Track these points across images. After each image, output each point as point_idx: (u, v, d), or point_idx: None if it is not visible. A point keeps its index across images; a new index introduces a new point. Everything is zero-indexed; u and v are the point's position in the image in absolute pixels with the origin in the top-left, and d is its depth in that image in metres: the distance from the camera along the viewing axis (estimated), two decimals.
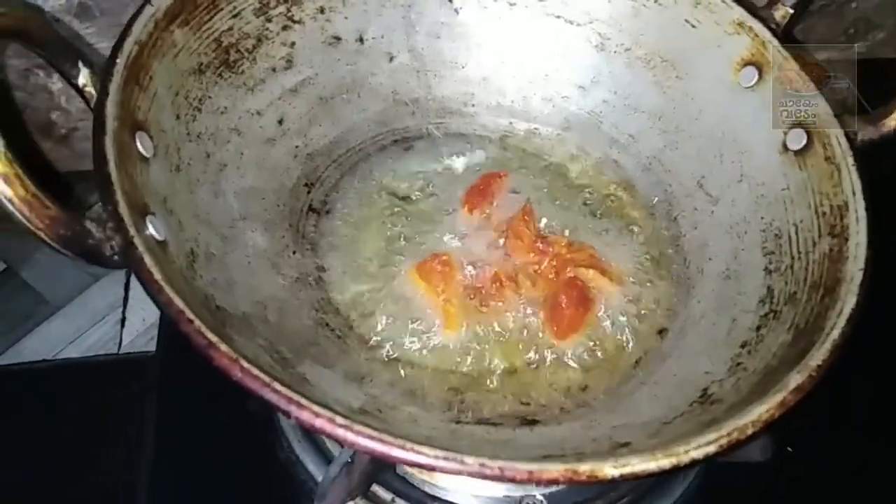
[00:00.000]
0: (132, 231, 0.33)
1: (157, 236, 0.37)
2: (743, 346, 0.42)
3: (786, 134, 0.47)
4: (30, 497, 0.57)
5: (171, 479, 0.54)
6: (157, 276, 0.32)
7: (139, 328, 0.71)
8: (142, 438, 0.56)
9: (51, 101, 0.67)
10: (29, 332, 0.71)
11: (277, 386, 0.30)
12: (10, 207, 0.29)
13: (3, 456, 0.58)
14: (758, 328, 0.43)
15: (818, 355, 0.35)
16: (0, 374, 0.66)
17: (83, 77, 0.38)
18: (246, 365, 0.30)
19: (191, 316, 0.31)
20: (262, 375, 0.30)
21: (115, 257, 0.32)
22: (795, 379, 0.34)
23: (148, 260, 0.32)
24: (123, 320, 0.71)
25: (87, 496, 0.56)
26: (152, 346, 0.67)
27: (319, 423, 0.29)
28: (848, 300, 0.37)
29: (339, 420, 0.30)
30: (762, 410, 0.33)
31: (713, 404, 0.38)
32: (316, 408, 0.30)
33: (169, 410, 0.58)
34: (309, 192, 0.53)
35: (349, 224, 0.52)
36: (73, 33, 0.62)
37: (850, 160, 0.43)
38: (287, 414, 0.29)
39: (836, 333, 0.36)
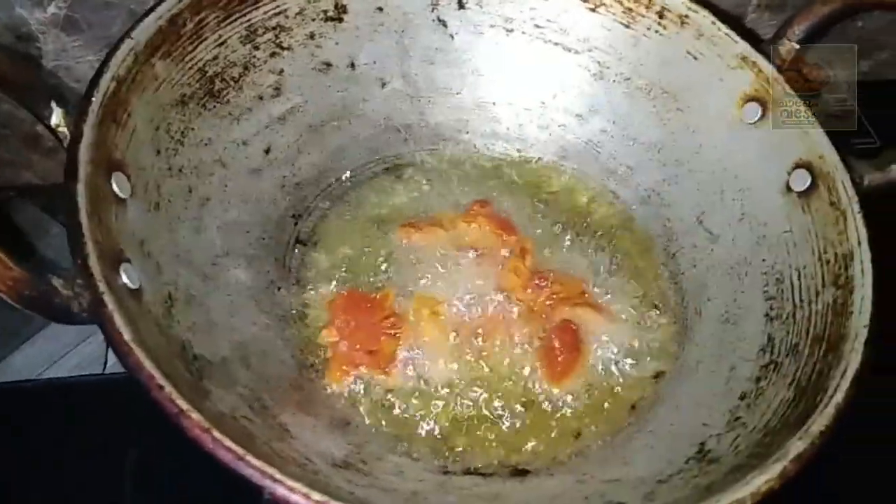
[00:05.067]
0: (102, 287, 0.31)
1: (130, 285, 0.35)
2: (742, 398, 0.41)
3: (789, 174, 0.46)
4: None
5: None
6: (127, 336, 0.30)
7: None
8: (125, 460, 0.55)
9: None
10: (13, 351, 0.69)
11: (251, 459, 0.28)
12: None
13: None
14: (757, 379, 0.41)
15: (821, 420, 0.34)
16: None
17: (56, 117, 0.36)
18: (218, 435, 0.29)
19: (161, 381, 0.29)
20: (235, 448, 0.28)
21: (84, 314, 0.31)
22: (797, 446, 0.33)
23: (118, 319, 0.31)
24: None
25: None
26: None
27: (294, 499, 0.28)
28: (852, 359, 0.36)
29: (316, 497, 0.28)
30: (761, 482, 0.31)
31: (710, 463, 0.37)
32: (290, 483, 0.28)
33: (154, 432, 0.56)
34: (296, 224, 0.51)
35: (337, 256, 0.51)
36: (60, 45, 0.61)
37: (856, 207, 0.42)
38: (260, 491, 0.28)
39: (839, 396, 0.35)
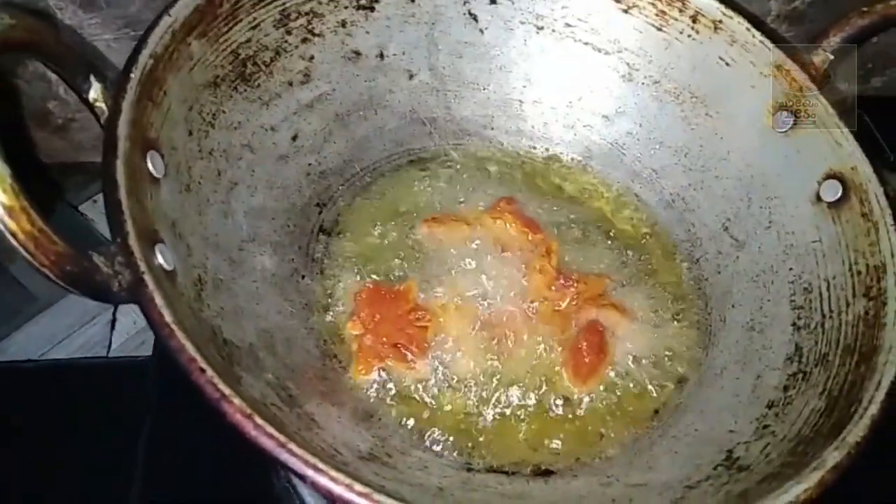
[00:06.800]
0: (142, 266, 0.30)
1: (166, 266, 0.35)
2: (770, 407, 0.41)
3: (819, 184, 0.46)
4: (11, 500, 0.54)
5: (163, 491, 0.52)
6: (169, 317, 0.30)
7: (130, 331, 0.68)
8: (134, 445, 0.54)
9: (48, 91, 0.65)
10: (15, 330, 0.68)
11: (294, 448, 0.28)
12: (14, 242, 0.27)
13: None
14: (785, 388, 0.41)
15: (856, 431, 0.34)
16: None
17: (94, 91, 0.36)
18: (260, 422, 0.28)
19: (203, 364, 0.29)
20: (277, 435, 0.28)
21: (123, 293, 0.30)
22: (833, 456, 0.33)
23: (159, 300, 0.30)
24: (114, 322, 0.68)
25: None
26: (143, 351, 0.65)
27: (338, 490, 0.27)
28: (886, 371, 0.36)
29: (358, 487, 0.28)
30: (800, 490, 0.31)
31: (741, 471, 0.37)
32: (334, 473, 0.28)
33: (164, 417, 0.55)
34: (320, 213, 0.51)
35: (360, 247, 0.50)
36: (77, 23, 0.60)
37: (890, 219, 0.42)
38: (302, 478, 0.27)
39: (874, 408, 0.35)
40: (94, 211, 0.71)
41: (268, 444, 0.28)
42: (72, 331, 0.69)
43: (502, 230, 0.50)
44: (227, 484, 0.52)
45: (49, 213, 0.70)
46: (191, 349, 0.29)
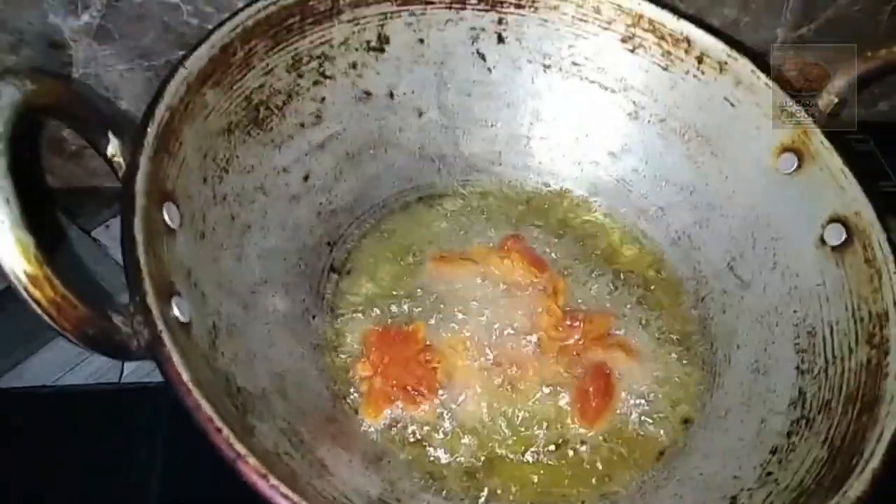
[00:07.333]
0: (160, 325, 0.31)
1: (182, 319, 0.36)
2: (773, 453, 0.41)
3: (824, 227, 0.46)
4: None
5: None
6: (186, 376, 0.31)
7: None
8: (149, 471, 0.54)
9: None
10: (31, 355, 0.69)
11: None
12: (38, 309, 0.28)
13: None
14: (789, 434, 0.42)
15: (857, 486, 0.34)
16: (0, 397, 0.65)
17: (112, 147, 0.37)
18: (274, 482, 0.29)
19: (219, 424, 0.30)
20: (291, 495, 0.29)
21: (142, 352, 0.31)
22: None
23: (176, 358, 0.31)
24: None
25: None
26: (154, 377, 0.66)
27: None
28: (888, 423, 0.36)
29: None
30: None
31: None
32: None
33: (176, 444, 0.56)
34: (331, 252, 0.52)
35: (369, 286, 0.51)
36: (91, 54, 0.61)
37: (893, 266, 0.42)
38: None
39: (875, 462, 0.35)
40: (106, 236, 0.72)
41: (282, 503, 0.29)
42: (85, 356, 0.69)
43: (510, 269, 0.51)
44: None
45: (61, 239, 0.72)
46: (207, 409, 0.30)
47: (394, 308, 0.50)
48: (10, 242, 0.27)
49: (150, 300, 0.32)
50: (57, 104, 0.33)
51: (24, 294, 0.28)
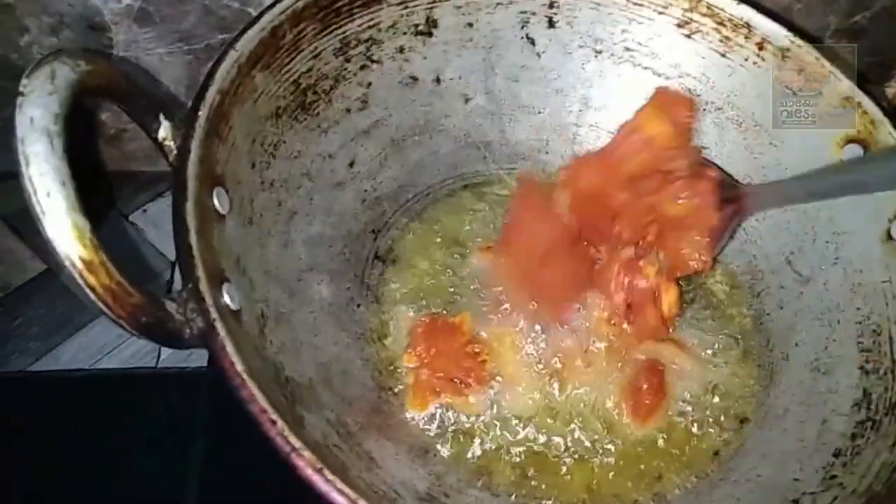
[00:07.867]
0: (214, 313, 0.31)
1: (232, 306, 0.35)
2: (836, 456, 0.39)
3: (891, 222, 0.44)
4: None
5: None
6: (240, 366, 0.30)
7: None
8: (188, 455, 0.54)
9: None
10: (68, 338, 0.69)
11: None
12: (92, 296, 0.27)
13: (36, 463, 0.56)
14: (853, 436, 0.40)
15: None
16: (37, 381, 0.65)
17: (163, 130, 0.36)
18: (331, 477, 0.28)
19: (274, 416, 0.29)
20: (348, 491, 0.28)
21: (195, 340, 0.30)
22: None
23: (230, 347, 0.30)
24: None
25: None
26: (191, 362, 0.66)
27: None
28: None
29: None
30: None
31: None
32: None
33: (214, 430, 0.56)
34: (375, 239, 0.51)
35: (414, 276, 0.50)
36: (132, 37, 0.61)
37: None
38: None
39: None
40: (144, 220, 0.72)
41: (337, 499, 0.28)
42: (121, 341, 0.70)
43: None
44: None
45: (100, 222, 0.72)
46: (261, 399, 0.29)
47: (439, 299, 0.49)
48: (67, 227, 0.27)
49: (203, 287, 0.31)
50: (109, 85, 0.33)
51: (80, 280, 0.27)
